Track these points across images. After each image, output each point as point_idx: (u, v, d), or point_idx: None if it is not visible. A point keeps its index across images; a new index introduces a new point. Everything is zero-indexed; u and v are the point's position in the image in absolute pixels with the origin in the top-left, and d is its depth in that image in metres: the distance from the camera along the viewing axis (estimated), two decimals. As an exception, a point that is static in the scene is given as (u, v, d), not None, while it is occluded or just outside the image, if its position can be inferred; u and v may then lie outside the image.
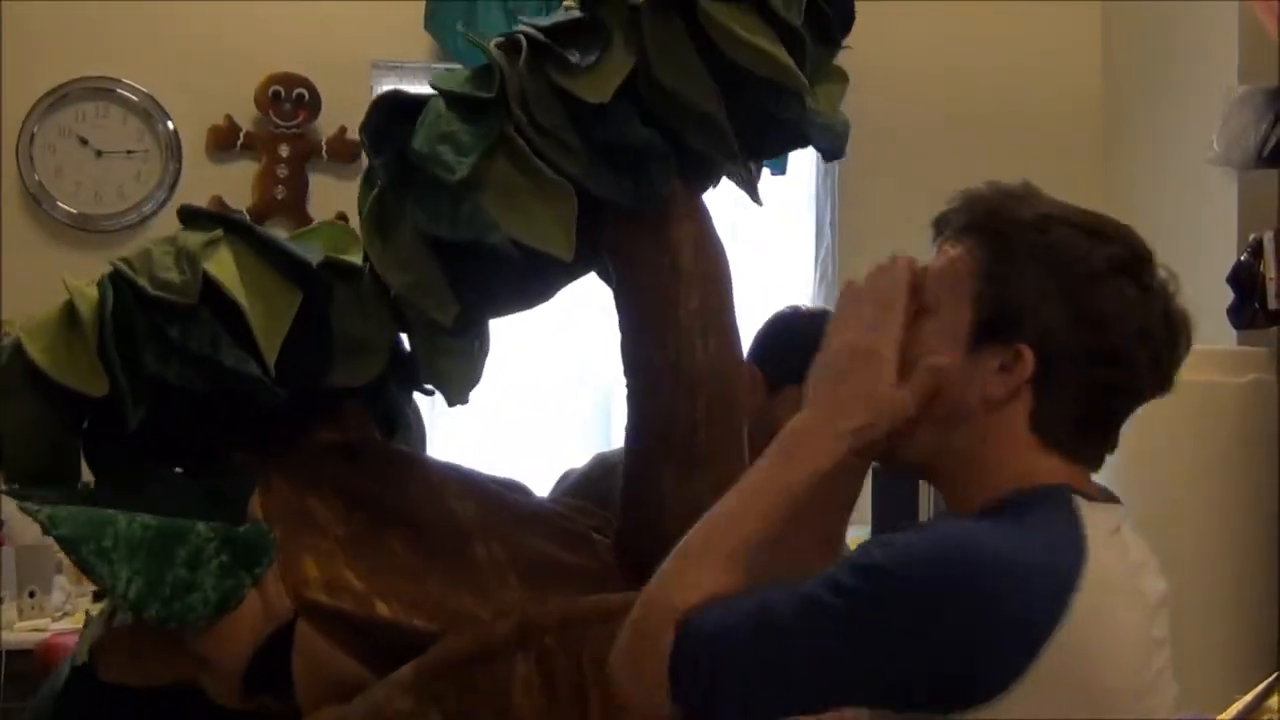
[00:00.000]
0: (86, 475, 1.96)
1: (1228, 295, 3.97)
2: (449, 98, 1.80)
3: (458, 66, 4.50)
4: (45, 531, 1.70)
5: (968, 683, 1.24)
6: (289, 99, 4.50)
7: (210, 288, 1.82)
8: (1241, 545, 3.83)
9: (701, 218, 1.88)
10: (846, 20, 1.94)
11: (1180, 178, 4.52)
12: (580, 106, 1.74)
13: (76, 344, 1.83)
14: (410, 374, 2.03)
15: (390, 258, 1.84)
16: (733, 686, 1.27)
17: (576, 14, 1.80)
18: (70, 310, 1.86)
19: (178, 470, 1.96)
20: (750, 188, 1.91)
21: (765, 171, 4.82)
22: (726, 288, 1.88)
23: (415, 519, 1.87)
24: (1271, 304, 3.92)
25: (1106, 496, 1.42)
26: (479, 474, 2.04)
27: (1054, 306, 1.36)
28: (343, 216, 4.51)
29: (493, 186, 1.75)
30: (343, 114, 4.54)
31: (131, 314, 1.82)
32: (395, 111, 1.85)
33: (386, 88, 4.61)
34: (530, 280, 1.87)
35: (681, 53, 1.75)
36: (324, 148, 4.53)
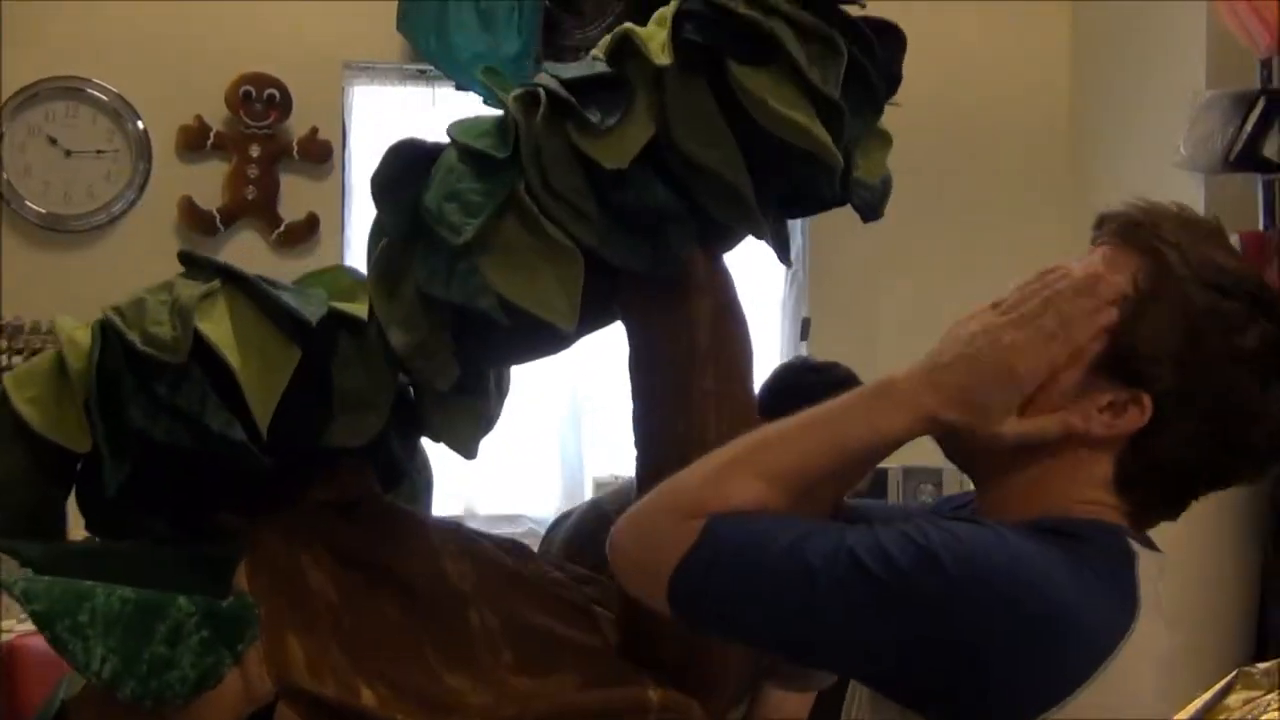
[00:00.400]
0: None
1: (1194, 298, 4.00)
2: (462, 150, 1.71)
3: (429, 68, 4.54)
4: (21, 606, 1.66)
5: (967, 707, 1.19)
6: (260, 99, 4.48)
7: (203, 345, 1.76)
8: (1212, 546, 3.86)
9: (722, 289, 1.78)
10: (893, 82, 1.82)
11: (1147, 181, 4.54)
12: (598, 169, 1.65)
13: (64, 396, 1.78)
14: (414, 422, 1.92)
15: (393, 314, 1.75)
16: (737, 604, 1.24)
17: (601, 67, 1.70)
18: (60, 360, 1.80)
19: (166, 522, 1.90)
20: (780, 248, 1.79)
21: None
22: (745, 367, 1.79)
23: (411, 583, 1.81)
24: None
25: (1147, 541, 1.33)
26: (479, 536, 1.96)
27: (1191, 373, 1.26)
28: (313, 217, 4.51)
29: (498, 249, 1.67)
30: (314, 114, 4.53)
31: (120, 367, 1.76)
32: (408, 162, 1.76)
33: (358, 88, 4.64)
34: (539, 336, 1.77)
35: (707, 119, 1.66)
36: (295, 148, 4.52)
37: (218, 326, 1.78)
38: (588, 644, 1.80)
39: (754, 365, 1.81)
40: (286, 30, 4.53)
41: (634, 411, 1.79)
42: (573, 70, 1.71)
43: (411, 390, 1.89)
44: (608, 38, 1.73)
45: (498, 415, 1.91)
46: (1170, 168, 4.17)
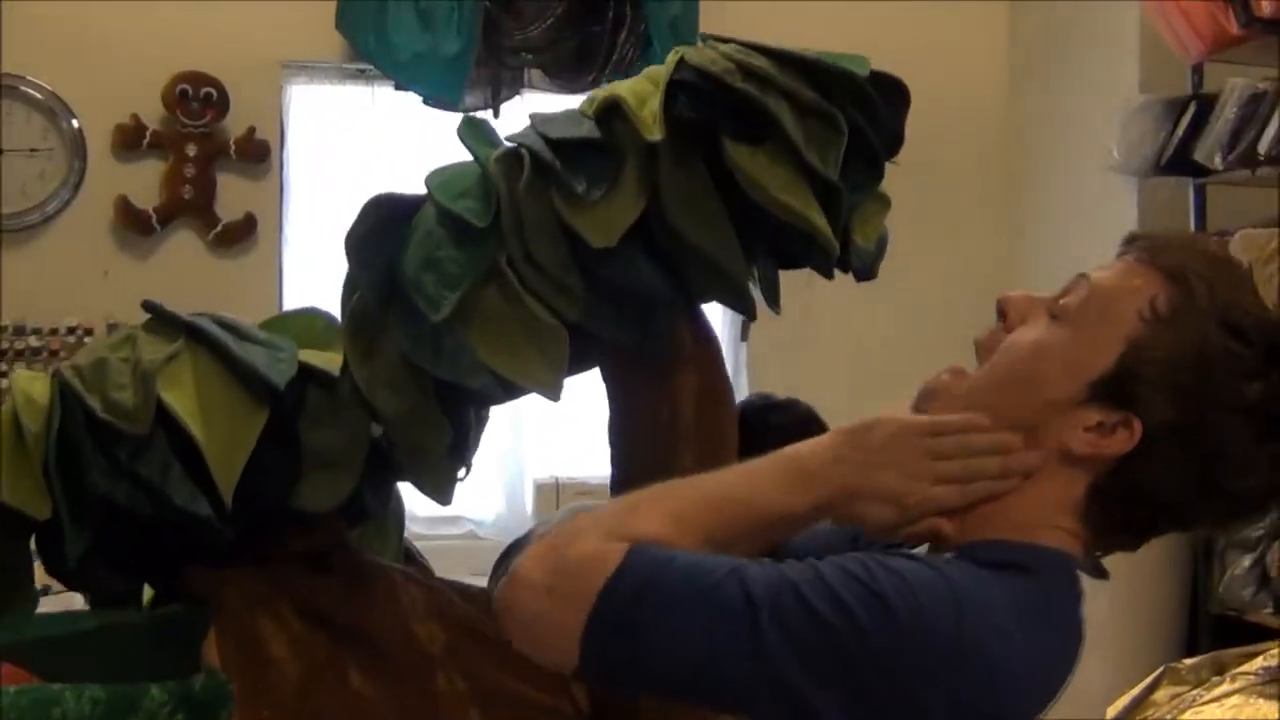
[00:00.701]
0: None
1: (1127, 300, 4.05)
2: (442, 212, 1.63)
3: (368, 67, 4.51)
4: None
5: None
6: (197, 98, 4.45)
7: (166, 411, 1.70)
8: (1143, 551, 3.90)
9: (709, 364, 1.72)
10: (895, 141, 1.73)
11: (1082, 184, 4.61)
12: (583, 241, 1.58)
13: (21, 459, 1.72)
14: (387, 469, 1.83)
15: (377, 377, 1.67)
16: (667, 636, 1.13)
17: (589, 127, 1.62)
18: (15, 419, 1.73)
19: (131, 577, 1.85)
20: (770, 296, 1.74)
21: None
22: (727, 446, 1.71)
23: (378, 644, 1.76)
24: (1169, 309, 4.00)
25: (1098, 570, 1.32)
26: (450, 590, 1.90)
27: (1189, 409, 1.23)
28: (251, 217, 4.48)
29: (480, 320, 1.60)
30: (252, 114, 4.49)
31: (80, 433, 1.70)
32: (385, 217, 1.68)
33: (296, 88, 4.62)
34: (524, 391, 1.70)
35: (701, 197, 1.59)
36: (232, 148, 4.49)
37: (181, 392, 1.71)
38: (559, 709, 1.75)
39: (736, 442, 1.74)
40: (224, 29, 4.50)
41: (611, 478, 1.72)
42: (559, 127, 1.63)
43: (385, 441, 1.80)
44: (597, 94, 1.66)
45: (475, 450, 1.85)
46: (1104, 171, 4.23)
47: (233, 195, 4.50)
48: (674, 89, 1.59)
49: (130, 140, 4.43)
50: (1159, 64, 4.27)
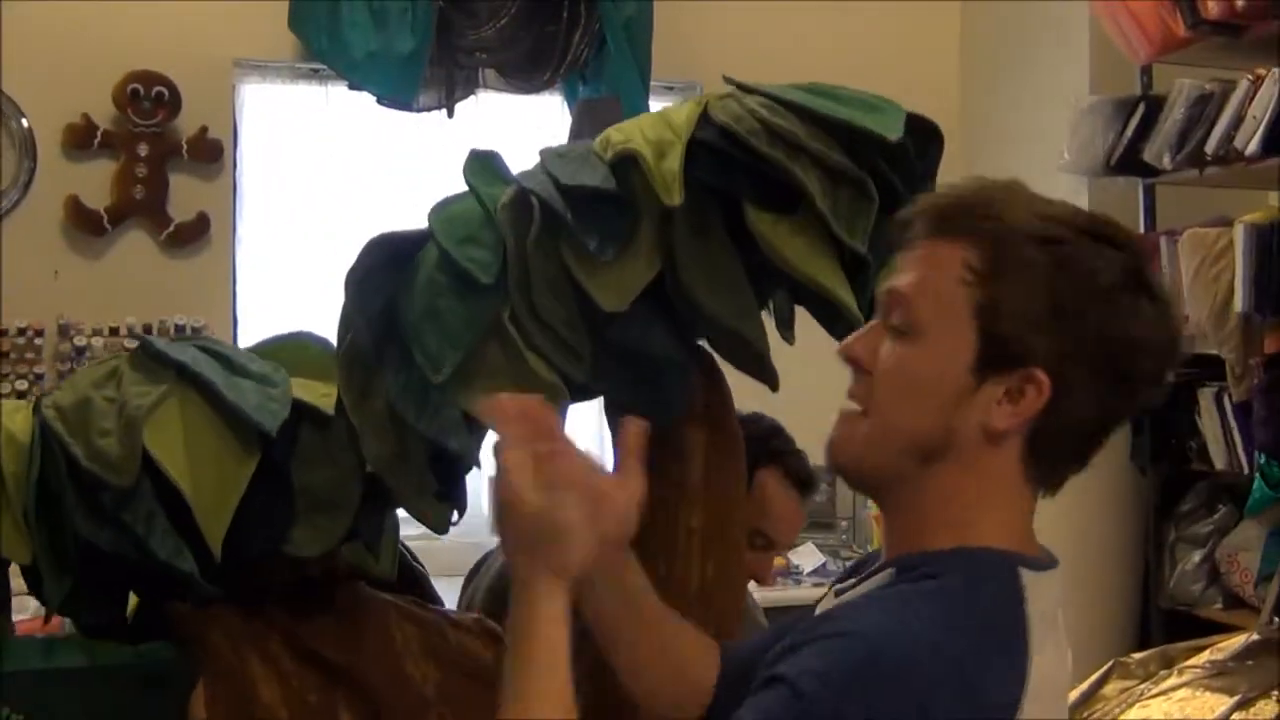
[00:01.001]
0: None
1: (1078, 299, 4.09)
2: (445, 258, 1.55)
3: (322, 67, 4.49)
4: None
5: None
6: (148, 97, 4.41)
7: (152, 459, 1.62)
8: (1091, 542, 3.95)
9: (720, 417, 1.64)
10: (928, 173, 1.67)
11: (1033, 184, 4.64)
12: (592, 299, 1.50)
13: (0, 500, 1.66)
14: (382, 498, 1.73)
15: (366, 420, 1.59)
16: None
17: (603, 174, 1.53)
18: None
19: (115, 612, 1.79)
20: (783, 326, 1.68)
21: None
22: (736, 503, 1.66)
23: (370, 685, 1.71)
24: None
25: (1047, 562, 1.30)
26: (444, 622, 1.84)
27: (1068, 327, 1.23)
28: (204, 217, 4.45)
29: (477, 377, 1.53)
30: (204, 113, 4.46)
31: (62, 479, 1.63)
32: (387, 257, 1.60)
33: (249, 87, 4.59)
34: None
35: (719, 263, 1.52)
36: (184, 147, 4.46)
37: (168, 440, 1.63)
38: None
39: (744, 495, 1.68)
40: (176, 27, 4.47)
41: None
42: (572, 171, 1.54)
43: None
44: (613, 136, 1.56)
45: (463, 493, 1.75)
46: (1055, 171, 4.26)
47: (185, 195, 4.47)
48: (696, 149, 1.51)
49: (81, 140, 4.39)
50: (1109, 65, 4.31)
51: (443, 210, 1.62)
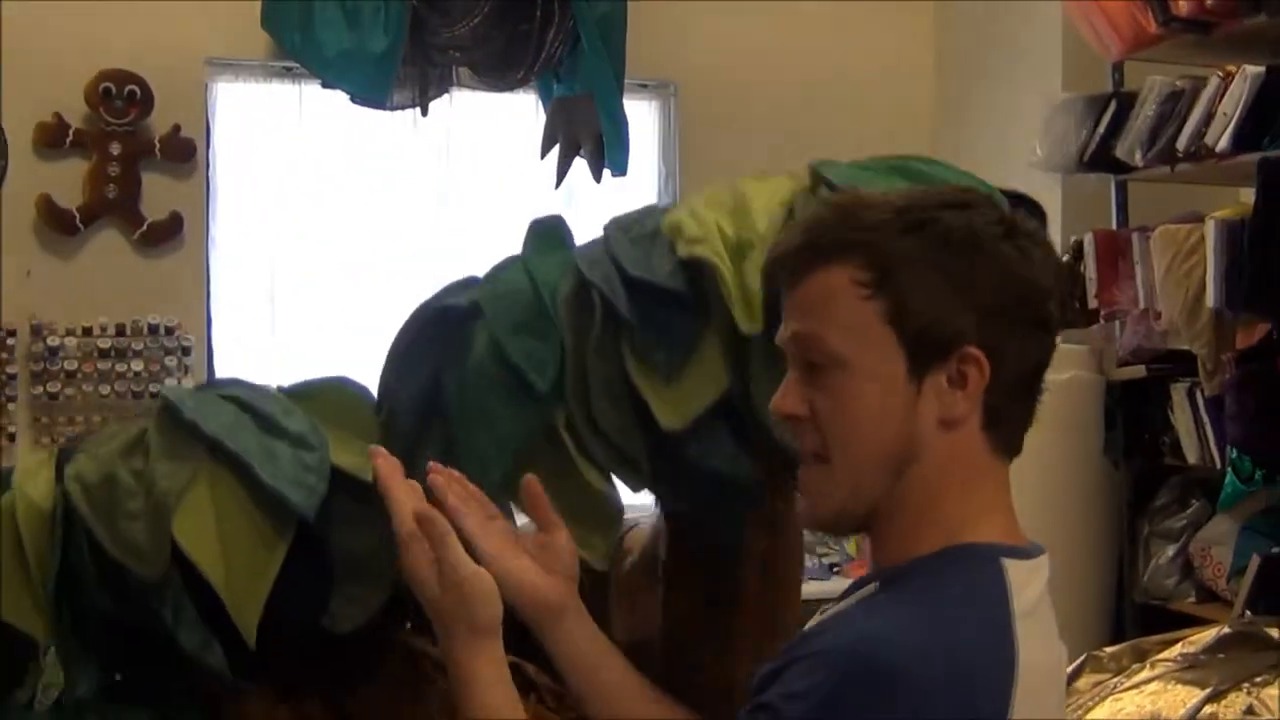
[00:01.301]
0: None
1: (1051, 295, 4.11)
2: (496, 352, 1.47)
3: (295, 65, 4.48)
4: None
5: None
6: (120, 96, 4.39)
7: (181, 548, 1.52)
8: (1066, 537, 3.96)
9: (783, 524, 1.53)
10: None
11: (1006, 181, 4.64)
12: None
13: (19, 572, 1.55)
14: None
15: None
16: None
17: (673, 272, 1.45)
18: (14, 524, 1.56)
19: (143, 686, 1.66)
20: None
21: (606, 172, 4.81)
22: (791, 611, 1.55)
23: None
24: (1091, 303, 4.07)
25: (1029, 550, 1.29)
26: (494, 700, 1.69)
27: (973, 296, 1.23)
28: (177, 216, 4.44)
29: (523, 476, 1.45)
30: (176, 112, 4.45)
31: (85, 561, 1.53)
32: (433, 331, 1.52)
33: (222, 85, 4.58)
34: None
35: None
36: (157, 146, 4.44)
37: (199, 528, 1.52)
38: None
39: (797, 606, 1.58)
40: (148, 26, 4.45)
41: (661, 631, 1.58)
42: (639, 259, 1.45)
43: None
44: (686, 225, 1.47)
45: None
46: (1028, 169, 4.28)
47: (158, 194, 4.46)
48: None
49: (53, 139, 4.37)
50: (1081, 62, 4.33)
51: (494, 284, 1.53)
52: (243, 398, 1.62)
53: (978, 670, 1.18)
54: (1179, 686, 2.55)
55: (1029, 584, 1.25)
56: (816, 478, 1.28)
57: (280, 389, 1.69)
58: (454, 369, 1.50)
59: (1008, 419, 1.27)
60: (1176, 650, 2.68)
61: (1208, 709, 2.67)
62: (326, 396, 1.66)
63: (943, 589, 1.22)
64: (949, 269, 1.23)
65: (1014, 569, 1.24)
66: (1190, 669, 2.58)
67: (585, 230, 1.60)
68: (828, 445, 1.26)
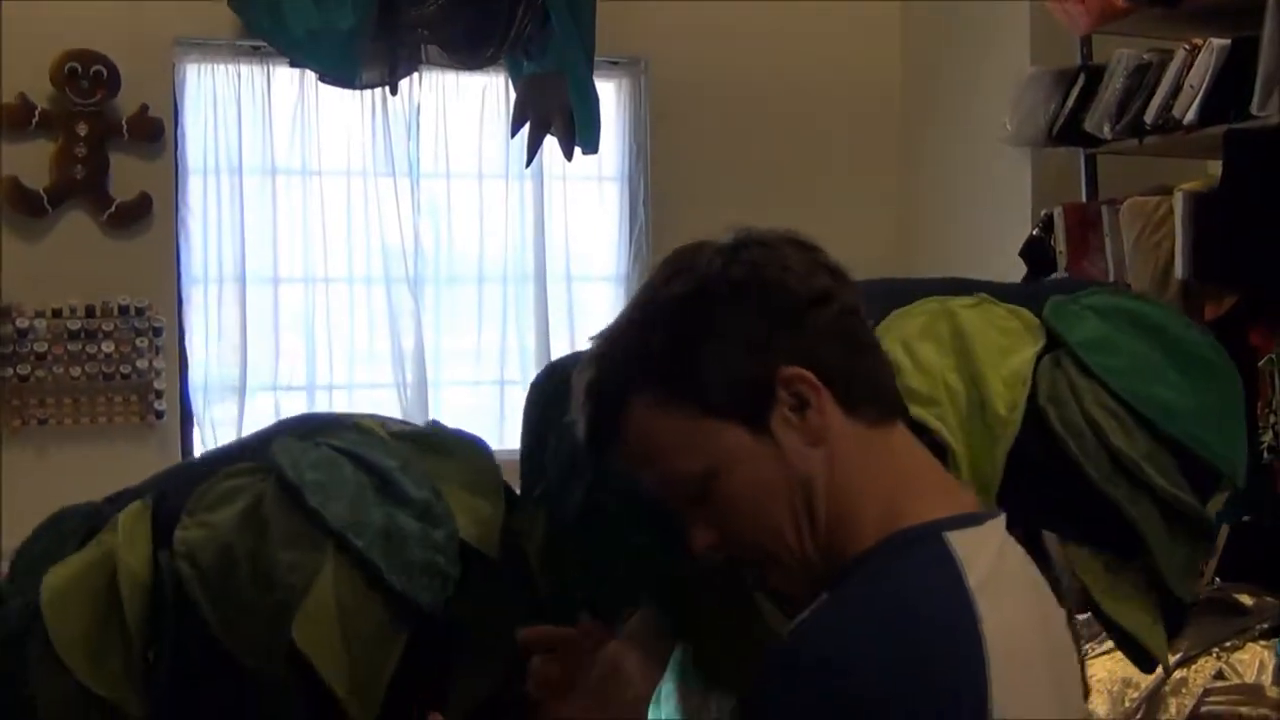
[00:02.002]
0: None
1: (1022, 268, 4.13)
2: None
3: (263, 44, 4.45)
4: None
5: None
6: (86, 76, 4.36)
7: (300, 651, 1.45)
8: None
9: None
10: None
11: (976, 156, 4.68)
12: None
13: (110, 637, 1.46)
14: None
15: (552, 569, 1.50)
16: None
17: None
18: (110, 597, 1.47)
19: None
20: None
21: (577, 150, 4.79)
22: None
23: None
24: (1061, 276, 4.09)
25: (975, 518, 1.26)
26: None
27: (743, 333, 1.25)
28: (145, 197, 4.41)
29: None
30: (144, 92, 4.42)
31: (195, 646, 1.45)
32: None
33: (190, 65, 4.55)
34: None
35: None
36: (124, 126, 4.41)
37: (321, 632, 1.44)
38: None
39: None
40: (113, 5, 4.41)
41: None
42: None
43: None
44: (903, 367, 1.39)
45: None
46: (997, 144, 4.29)
47: (126, 175, 4.43)
48: (1015, 463, 1.32)
49: (18, 120, 4.34)
50: (1049, 36, 4.34)
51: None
52: (358, 453, 1.54)
53: (944, 665, 1.16)
54: (1150, 653, 2.58)
55: (980, 552, 1.22)
56: (777, 576, 1.29)
57: (397, 432, 1.62)
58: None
59: (859, 388, 1.26)
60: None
61: (1178, 673, 2.70)
62: (452, 452, 1.60)
63: (893, 588, 1.19)
64: (708, 332, 1.24)
65: (960, 541, 1.22)
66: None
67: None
68: (756, 542, 1.26)
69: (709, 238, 1.32)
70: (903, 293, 1.48)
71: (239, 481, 1.52)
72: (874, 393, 1.28)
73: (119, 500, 1.60)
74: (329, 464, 1.52)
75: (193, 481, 1.54)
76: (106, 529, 1.53)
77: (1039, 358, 1.40)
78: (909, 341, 1.43)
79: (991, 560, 1.23)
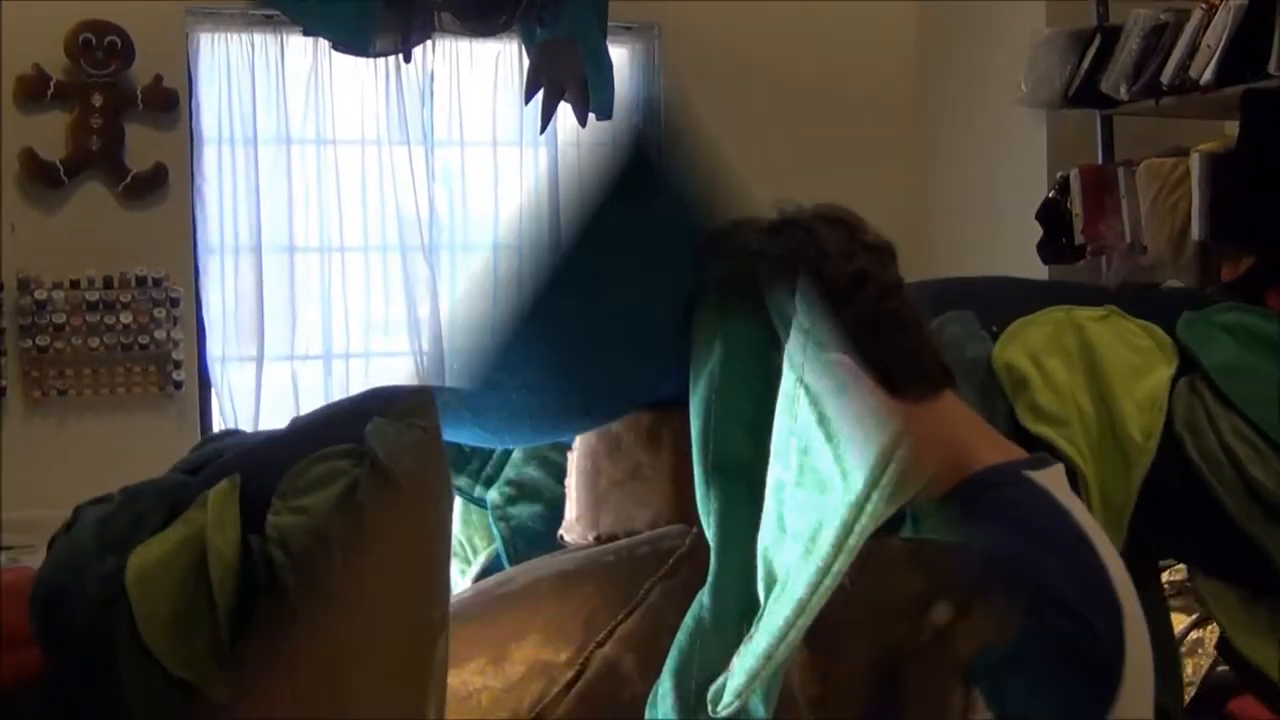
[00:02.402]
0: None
1: (1038, 231, 4.12)
2: None
3: (276, 14, 4.44)
4: None
5: None
6: (100, 47, 4.36)
7: None
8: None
9: None
10: None
11: (992, 119, 4.66)
12: None
13: (197, 624, 1.42)
14: None
15: None
16: None
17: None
18: (198, 579, 1.43)
19: None
20: None
21: (591, 116, 4.75)
22: None
23: None
24: (1077, 238, 4.08)
25: (1045, 460, 1.27)
26: None
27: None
28: (161, 167, 4.42)
29: None
30: (158, 62, 4.42)
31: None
32: None
33: (203, 35, 4.55)
34: None
35: (1155, 623, 1.26)
36: (139, 97, 4.41)
37: None
38: None
39: None
40: (126, -24, 4.42)
41: None
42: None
43: None
44: (1039, 399, 1.35)
45: None
46: (1013, 106, 4.27)
47: (142, 145, 4.43)
48: (1148, 491, 1.29)
49: (33, 91, 4.34)
50: (1065, -3, 4.32)
51: None
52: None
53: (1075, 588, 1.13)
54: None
55: (1059, 489, 1.20)
56: None
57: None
58: None
59: (901, 371, 1.24)
60: (1164, 578, 2.71)
61: (1194, 634, 2.71)
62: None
63: (1011, 520, 1.17)
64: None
65: (1041, 479, 1.21)
66: (1177, 596, 2.60)
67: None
68: None
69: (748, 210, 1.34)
70: (1021, 296, 1.45)
71: (332, 465, 1.46)
72: (916, 372, 1.26)
73: (193, 469, 1.55)
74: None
75: (280, 462, 1.48)
76: (194, 507, 1.47)
77: (1174, 380, 1.36)
78: (1036, 354, 1.39)
79: (1069, 497, 1.22)
